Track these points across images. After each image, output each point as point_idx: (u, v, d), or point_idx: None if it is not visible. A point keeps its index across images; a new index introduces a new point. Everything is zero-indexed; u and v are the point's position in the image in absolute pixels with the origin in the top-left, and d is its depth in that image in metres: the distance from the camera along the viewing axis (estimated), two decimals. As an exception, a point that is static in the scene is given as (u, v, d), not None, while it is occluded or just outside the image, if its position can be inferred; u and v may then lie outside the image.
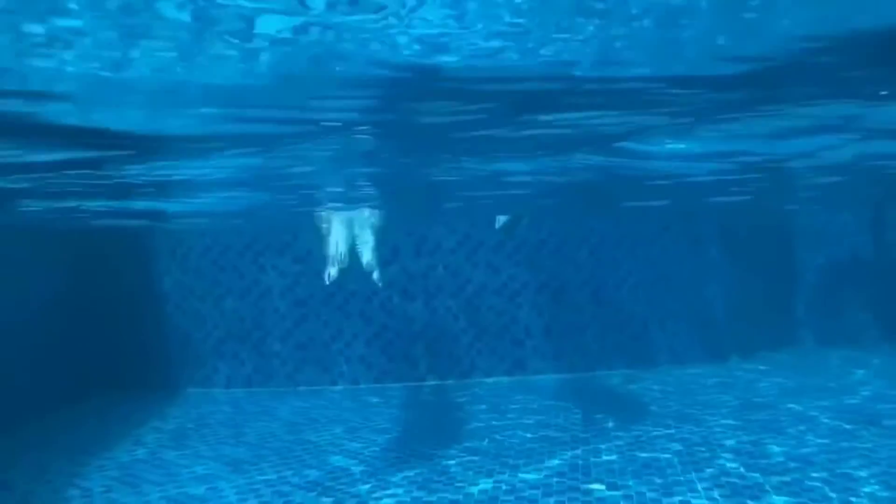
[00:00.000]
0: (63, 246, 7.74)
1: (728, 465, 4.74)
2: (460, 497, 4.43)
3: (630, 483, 4.49)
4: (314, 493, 4.67)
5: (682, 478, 4.54)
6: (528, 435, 5.75)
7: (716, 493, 4.23)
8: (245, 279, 8.33)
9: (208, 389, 8.27)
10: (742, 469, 4.64)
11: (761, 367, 7.84)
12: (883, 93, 3.22)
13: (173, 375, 8.29)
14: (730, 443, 5.20)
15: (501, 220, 7.40)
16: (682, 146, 4.25)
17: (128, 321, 8.33)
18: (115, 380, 8.14)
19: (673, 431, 5.58)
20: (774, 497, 4.10)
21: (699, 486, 4.36)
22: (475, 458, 5.22)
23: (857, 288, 8.94)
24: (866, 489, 4.17)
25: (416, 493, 4.54)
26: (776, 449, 5.02)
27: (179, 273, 8.40)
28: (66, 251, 7.83)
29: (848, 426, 5.45)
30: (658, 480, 4.50)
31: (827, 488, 4.21)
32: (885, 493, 4.07)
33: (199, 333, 8.38)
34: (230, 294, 8.35)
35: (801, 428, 5.49)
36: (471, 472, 4.88)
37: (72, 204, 5.53)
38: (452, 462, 5.15)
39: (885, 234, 8.97)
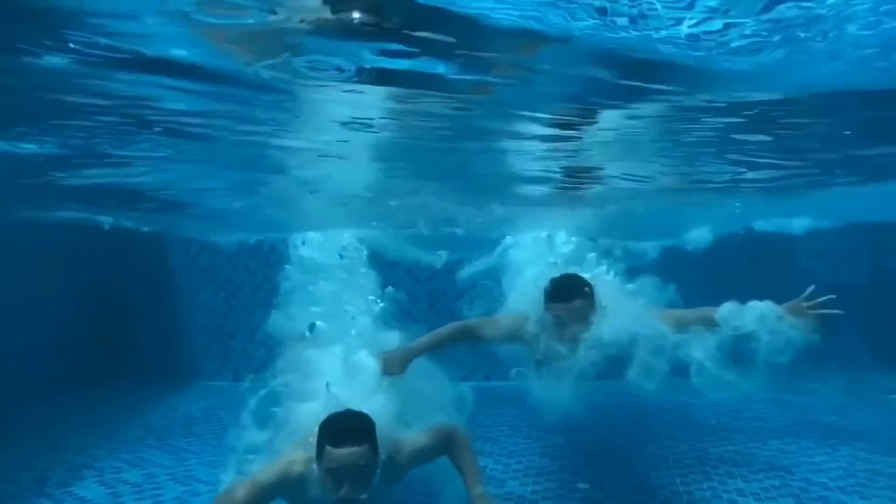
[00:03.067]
0: (84, 241, 8.08)
1: None
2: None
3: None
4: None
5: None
6: (522, 434, 5.91)
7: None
8: (256, 276, 8.62)
9: (218, 382, 8.54)
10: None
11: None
12: None
13: (184, 366, 8.58)
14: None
15: None
16: None
17: (141, 313, 8.64)
18: (126, 368, 8.41)
19: None
20: None
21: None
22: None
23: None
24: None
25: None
26: None
27: (192, 269, 8.72)
28: (87, 246, 8.16)
29: None
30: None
31: None
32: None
33: (210, 327, 8.67)
34: (241, 290, 8.65)
35: None
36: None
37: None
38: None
39: None
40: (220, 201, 6.74)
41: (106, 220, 8.14)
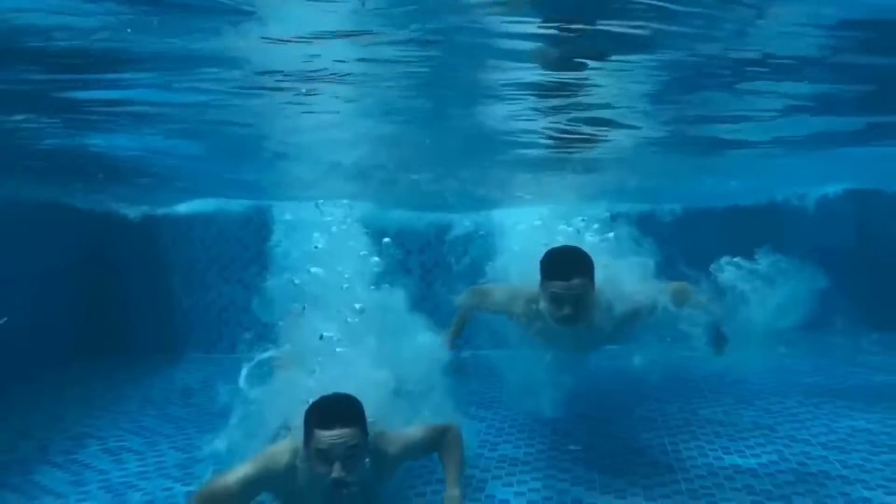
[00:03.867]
0: (80, 220, 8.19)
1: None
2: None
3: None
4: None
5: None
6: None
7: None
8: (249, 250, 8.67)
9: (212, 355, 8.63)
10: None
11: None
12: None
13: (180, 340, 8.65)
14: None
15: None
16: None
17: (136, 288, 8.68)
18: (122, 343, 8.47)
19: None
20: None
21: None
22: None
23: None
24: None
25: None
26: None
27: (186, 244, 8.76)
28: (83, 225, 8.25)
29: None
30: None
31: None
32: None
33: (203, 301, 8.74)
34: (234, 264, 8.71)
35: None
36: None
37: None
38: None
39: None
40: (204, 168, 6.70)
41: (97, 199, 8.21)
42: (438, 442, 3.82)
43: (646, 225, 5.94)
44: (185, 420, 5.85)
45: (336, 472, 3.07)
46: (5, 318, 5.85)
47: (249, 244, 8.65)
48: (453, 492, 3.72)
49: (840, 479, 4.17)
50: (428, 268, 8.60)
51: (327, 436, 3.09)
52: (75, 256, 8.12)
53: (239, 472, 3.22)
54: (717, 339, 4.66)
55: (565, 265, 3.95)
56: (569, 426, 5.41)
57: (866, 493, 3.97)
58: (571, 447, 4.95)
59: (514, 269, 5.02)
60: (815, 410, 5.56)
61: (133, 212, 8.62)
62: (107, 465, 4.76)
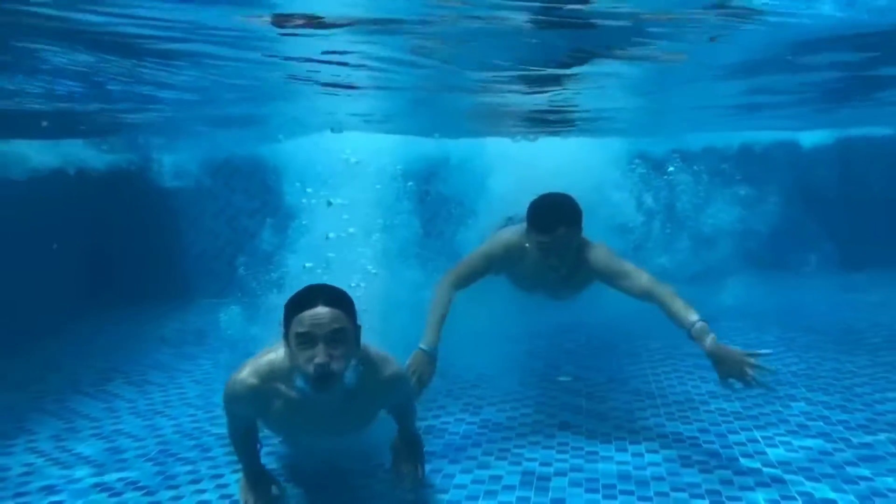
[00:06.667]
0: (99, 178, 8.59)
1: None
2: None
3: (592, 372, 5.22)
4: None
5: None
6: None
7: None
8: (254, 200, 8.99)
9: (224, 300, 8.99)
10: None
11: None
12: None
13: (191, 287, 9.02)
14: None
15: None
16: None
17: (149, 238, 9.00)
18: (138, 291, 8.82)
19: None
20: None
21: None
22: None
23: None
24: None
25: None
26: None
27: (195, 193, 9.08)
28: (97, 180, 8.59)
29: None
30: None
31: None
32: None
33: (212, 249, 9.10)
34: (241, 214, 9.04)
35: None
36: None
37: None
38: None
39: None
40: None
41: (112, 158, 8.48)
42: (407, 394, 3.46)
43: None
44: (200, 357, 6.26)
45: (320, 356, 2.69)
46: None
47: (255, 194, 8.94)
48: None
49: (804, 401, 4.60)
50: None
51: (307, 315, 2.72)
52: (91, 210, 8.45)
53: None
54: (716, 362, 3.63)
55: (551, 215, 3.93)
56: (558, 360, 5.82)
57: (826, 412, 4.39)
58: (561, 378, 5.36)
59: None
60: (790, 344, 5.98)
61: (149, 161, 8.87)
62: (133, 396, 5.17)
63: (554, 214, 3.93)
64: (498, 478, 3.61)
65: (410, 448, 3.60)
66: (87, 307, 8.04)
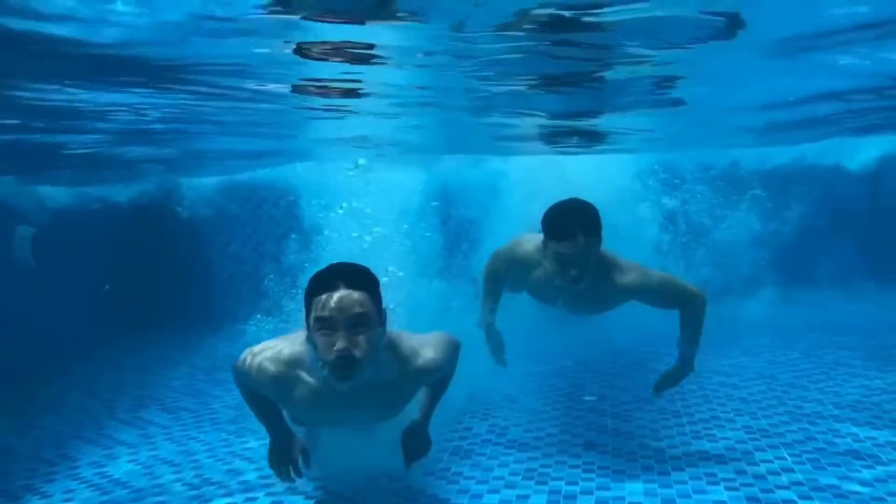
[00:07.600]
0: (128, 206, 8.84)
1: None
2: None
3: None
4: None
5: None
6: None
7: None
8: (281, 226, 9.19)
9: (250, 325, 9.16)
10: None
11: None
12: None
13: (219, 312, 9.20)
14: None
15: None
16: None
17: (179, 265, 9.23)
18: (166, 317, 9.02)
19: None
20: None
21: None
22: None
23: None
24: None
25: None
26: None
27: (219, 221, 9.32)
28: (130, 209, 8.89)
29: None
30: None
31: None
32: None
33: (240, 275, 9.29)
34: (268, 240, 9.24)
35: None
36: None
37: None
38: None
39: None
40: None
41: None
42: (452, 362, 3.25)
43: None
44: (231, 382, 6.35)
45: (340, 342, 2.52)
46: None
47: (280, 220, 9.15)
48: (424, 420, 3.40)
49: (832, 418, 4.59)
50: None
51: (329, 298, 2.54)
52: (126, 245, 8.72)
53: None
54: (668, 376, 4.30)
55: (569, 221, 3.55)
56: (584, 380, 5.85)
57: (854, 430, 4.37)
58: (586, 398, 5.38)
59: None
60: (817, 361, 5.95)
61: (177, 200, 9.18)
62: (167, 422, 5.30)
63: (572, 219, 3.54)
64: (525, 497, 3.65)
65: (415, 437, 3.37)
66: (118, 333, 8.23)
